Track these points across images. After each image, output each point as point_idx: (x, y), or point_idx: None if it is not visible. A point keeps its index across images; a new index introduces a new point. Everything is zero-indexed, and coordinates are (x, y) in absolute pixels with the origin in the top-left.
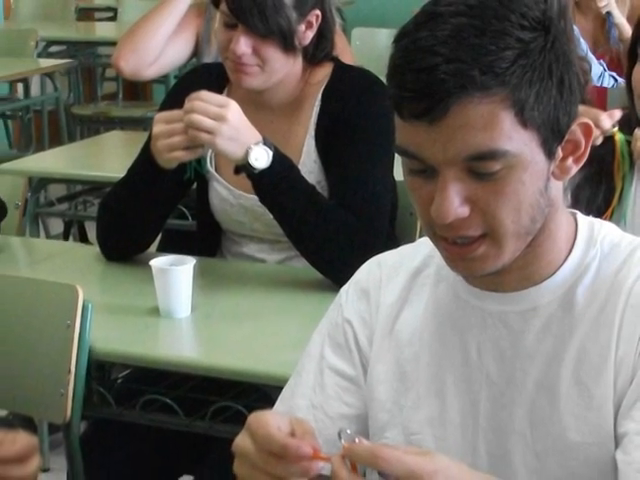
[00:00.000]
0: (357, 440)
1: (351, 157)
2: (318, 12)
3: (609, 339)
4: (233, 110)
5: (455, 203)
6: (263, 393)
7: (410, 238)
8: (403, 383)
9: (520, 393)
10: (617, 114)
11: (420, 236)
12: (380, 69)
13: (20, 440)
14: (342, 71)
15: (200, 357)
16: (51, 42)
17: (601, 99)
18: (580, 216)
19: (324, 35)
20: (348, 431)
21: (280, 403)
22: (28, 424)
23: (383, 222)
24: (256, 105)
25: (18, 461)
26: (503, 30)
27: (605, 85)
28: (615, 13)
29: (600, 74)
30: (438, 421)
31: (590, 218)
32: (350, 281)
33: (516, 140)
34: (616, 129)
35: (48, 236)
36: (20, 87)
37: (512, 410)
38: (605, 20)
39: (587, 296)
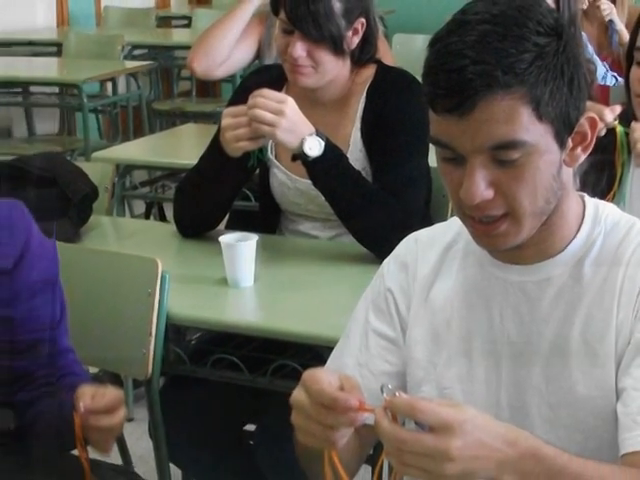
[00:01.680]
0: (397, 394)
1: (391, 147)
2: (363, 20)
3: (611, 305)
4: (290, 106)
5: (481, 187)
6: (316, 353)
7: (442, 217)
8: (436, 344)
9: (536, 353)
10: (618, 109)
11: (451, 216)
12: (417, 70)
13: (109, 394)
14: (384, 72)
15: (261, 321)
16: (135, 46)
17: (604, 96)
18: (587, 198)
19: (368, 40)
20: (389, 386)
21: (331, 361)
22: (115, 380)
23: (419, 203)
24: (310, 101)
25: (107, 412)
26: (522, 36)
27: (608, 84)
28: (616, 20)
29: (604, 74)
30: (466, 377)
31: (595, 200)
32: (391, 255)
33: (533, 132)
34: (617, 122)
35: (132, 216)
36: (109, 86)
37: (530, 367)
38: (608, 27)
39: (593, 268)
